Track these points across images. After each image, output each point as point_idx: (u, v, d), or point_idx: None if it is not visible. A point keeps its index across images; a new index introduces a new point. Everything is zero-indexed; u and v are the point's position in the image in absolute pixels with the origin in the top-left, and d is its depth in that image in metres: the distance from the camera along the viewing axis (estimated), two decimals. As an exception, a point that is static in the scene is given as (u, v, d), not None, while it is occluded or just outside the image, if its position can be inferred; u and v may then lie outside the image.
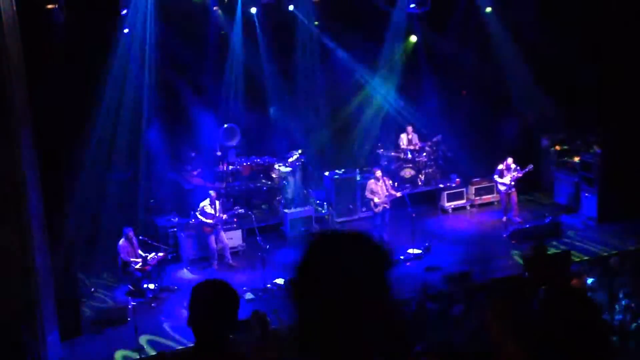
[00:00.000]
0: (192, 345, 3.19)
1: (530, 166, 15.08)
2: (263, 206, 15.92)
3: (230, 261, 14.01)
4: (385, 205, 14.50)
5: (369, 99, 17.59)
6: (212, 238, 13.87)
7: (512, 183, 15.09)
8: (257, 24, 16.34)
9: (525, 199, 16.43)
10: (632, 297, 10.00)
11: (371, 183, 14.63)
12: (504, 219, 15.35)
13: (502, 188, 15.33)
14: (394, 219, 14.81)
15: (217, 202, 13.95)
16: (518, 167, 15.14)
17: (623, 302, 9.90)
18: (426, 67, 17.78)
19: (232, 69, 16.60)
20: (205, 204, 13.81)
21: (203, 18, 15.87)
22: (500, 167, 15.27)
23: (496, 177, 15.40)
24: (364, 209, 16.09)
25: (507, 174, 15.14)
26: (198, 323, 3.09)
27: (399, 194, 14.49)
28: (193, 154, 15.84)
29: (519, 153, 15.71)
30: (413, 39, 17.72)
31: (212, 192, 14.00)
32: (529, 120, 17.35)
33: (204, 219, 13.72)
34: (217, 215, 13.77)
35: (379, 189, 14.47)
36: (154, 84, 15.31)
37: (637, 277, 10.97)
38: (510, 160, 15.17)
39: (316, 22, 16.79)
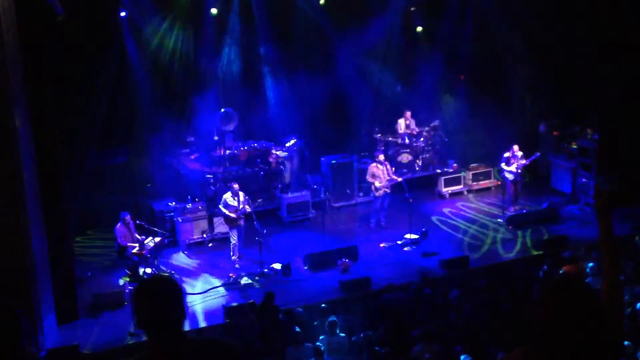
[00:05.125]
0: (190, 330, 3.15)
1: (537, 154, 14.94)
2: (260, 200, 15.52)
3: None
4: (386, 190, 14.46)
5: (367, 83, 17.51)
6: (235, 232, 13.27)
7: (519, 171, 14.92)
8: (254, 5, 16.23)
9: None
10: (627, 283, 10.01)
11: (373, 167, 14.58)
12: (512, 209, 15.08)
13: (509, 176, 14.99)
14: (391, 204, 14.79)
15: (241, 194, 13.29)
16: (523, 155, 15.00)
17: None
18: (424, 52, 17.72)
19: (230, 52, 16.50)
20: (227, 196, 13.24)
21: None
22: (507, 154, 14.98)
23: (503, 165, 15.09)
24: (361, 194, 16.08)
25: (514, 161, 14.91)
26: (148, 323, 2.99)
27: (400, 179, 14.44)
28: (192, 139, 15.77)
29: (516, 139, 15.67)
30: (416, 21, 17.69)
31: (235, 185, 13.37)
32: (526, 105, 17.31)
33: (226, 212, 13.15)
34: (241, 207, 13.19)
35: (381, 173, 14.42)
36: (150, 67, 15.25)
37: (635, 263, 10.99)
38: (516, 147, 14.92)
39: (322, 1, 16.65)
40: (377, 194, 14.51)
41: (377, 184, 14.43)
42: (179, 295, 3.05)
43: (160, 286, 3.05)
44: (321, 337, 9.52)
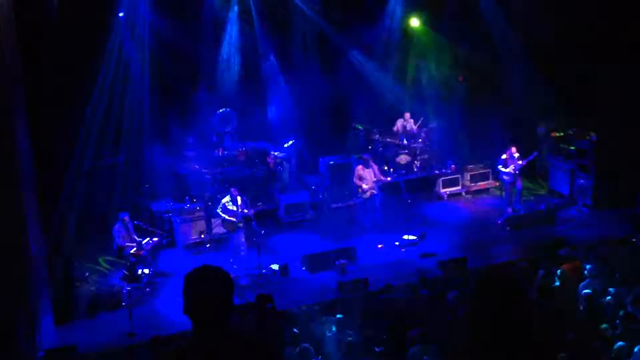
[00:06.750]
0: (189, 330, 3.17)
1: (535, 153, 14.89)
2: (260, 204, 15.29)
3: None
4: (373, 191, 14.44)
5: (366, 84, 17.51)
6: (234, 237, 13.16)
7: (517, 172, 14.88)
8: (252, 6, 16.23)
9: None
10: (622, 285, 10.00)
11: (359, 169, 14.58)
12: (510, 210, 15.10)
13: (506, 178, 14.99)
14: (389, 205, 14.78)
15: (239, 198, 13.14)
16: (520, 156, 14.98)
17: (612, 290, 9.88)
18: (422, 52, 17.72)
19: (228, 52, 16.50)
20: (226, 200, 13.11)
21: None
22: (504, 156, 14.92)
23: (500, 167, 15.05)
24: (359, 195, 16.08)
25: (511, 163, 14.88)
26: (196, 309, 3.08)
27: (388, 179, 14.42)
28: (190, 139, 15.76)
29: (515, 140, 15.66)
30: (414, 23, 17.65)
31: (233, 190, 13.23)
32: (525, 106, 17.30)
33: (225, 216, 13.06)
34: (240, 211, 13.04)
35: (367, 175, 14.42)
36: (148, 67, 15.25)
37: (631, 265, 10.99)
38: (513, 149, 14.87)
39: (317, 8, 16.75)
40: (364, 196, 14.49)
41: (364, 186, 14.43)
42: (229, 287, 3.17)
43: (214, 274, 3.16)
44: (328, 334, 9.50)
